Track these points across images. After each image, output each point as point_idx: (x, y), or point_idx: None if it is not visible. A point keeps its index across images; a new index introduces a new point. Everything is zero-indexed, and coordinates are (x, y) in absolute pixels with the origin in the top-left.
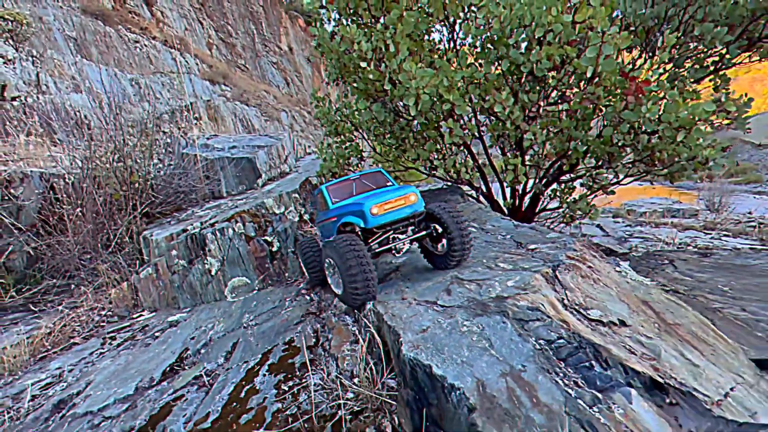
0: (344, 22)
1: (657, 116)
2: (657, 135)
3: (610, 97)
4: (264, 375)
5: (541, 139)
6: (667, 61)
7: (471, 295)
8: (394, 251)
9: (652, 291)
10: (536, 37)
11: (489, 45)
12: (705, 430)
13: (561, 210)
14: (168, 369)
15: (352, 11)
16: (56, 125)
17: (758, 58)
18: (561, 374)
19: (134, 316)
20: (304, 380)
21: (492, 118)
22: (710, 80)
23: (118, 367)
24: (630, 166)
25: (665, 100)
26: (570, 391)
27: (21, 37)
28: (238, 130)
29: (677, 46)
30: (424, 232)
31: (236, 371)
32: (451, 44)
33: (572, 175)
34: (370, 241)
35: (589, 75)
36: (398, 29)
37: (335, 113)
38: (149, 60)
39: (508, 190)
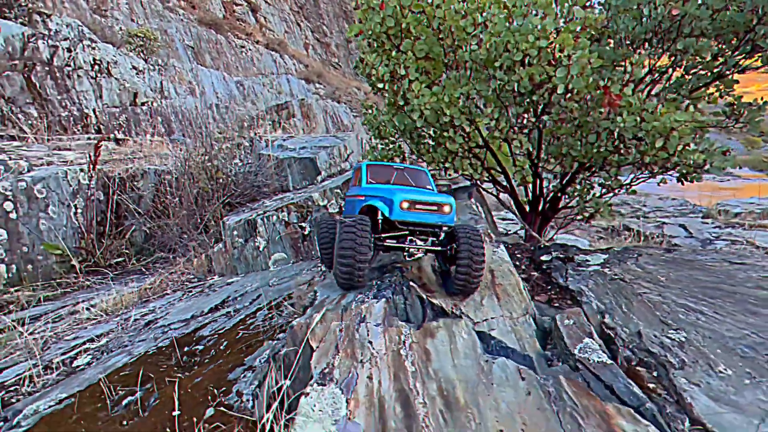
0: (367, 49)
1: (634, 125)
2: (644, 141)
3: (587, 110)
4: (263, 311)
5: (526, 147)
6: (642, 76)
7: None
8: (405, 253)
9: (503, 265)
10: (516, 60)
11: (479, 67)
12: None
13: (578, 208)
14: (213, 307)
15: (375, 40)
16: (174, 126)
17: (760, 64)
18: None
19: (207, 278)
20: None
21: (487, 129)
22: (715, 87)
23: (187, 305)
24: (634, 167)
25: (645, 111)
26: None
27: (150, 50)
28: (328, 126)
29: (673, 57)
30: (439, 248)
31: (249, 309)
32: (455, 65)
33: (586, 175)
34: (385, 233)
35: (560, 91)
36: (408, 55)
37: (379, 119)
38: (252, 63)
39: (524, 189)
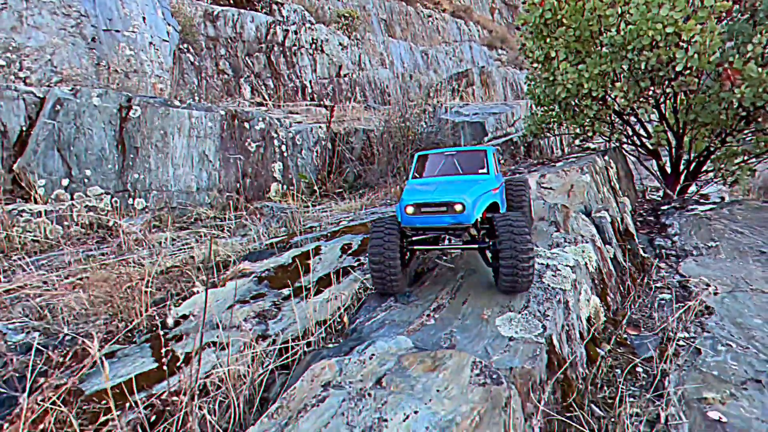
0: (529, 36)
1: (753, 95)
2: (762, 109)
3: (705, 84)
4: None
5: (662, 116)
6: (759, 52)
7: None
8: (441, 254)
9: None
10: (645, 44)
11: (616, 49)
12: None
13: (719, 174)
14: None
15: (535, 28)
16: (368, 94)
17: None
18: None
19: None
20: None
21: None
22: None
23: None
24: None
25: (765, 83)
26: None
27: (352, 28)
28: (507, 93)
29: None
30: (478, 245)
31: None
32: (600, 47)
33: (729, 142)
34: (410, 234)
35: (679, 68)
36: (560, 41)
37: (536, 91)
38: (438, 32)
39: (670, 158)
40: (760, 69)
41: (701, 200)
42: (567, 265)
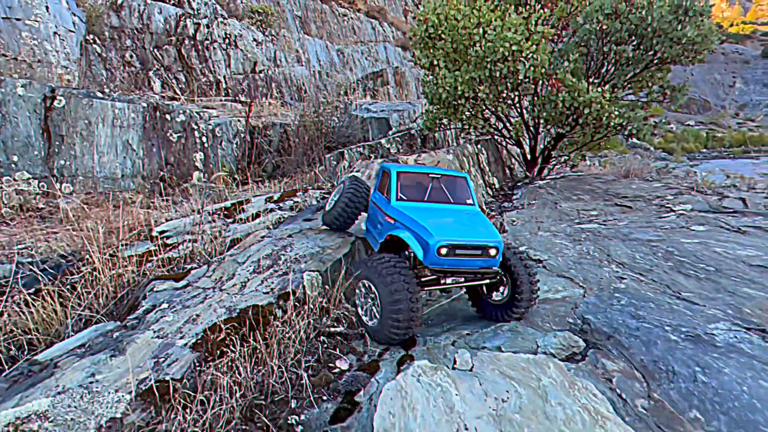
0: (419, 45)
1: (571, 99)
2: (577, 109)
3: (541, 89)
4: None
5: (519, 113)
6: (571, 69)
7: None
8: (441, 292)
9: (447, 158)
10: (499, 58)
11: (479, 61)
12: None
13: (561, 158)
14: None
15: (421, 41)
16: (284, 91)
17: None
18: None
19: (311, 186)
20: None
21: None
22: (648, 75)
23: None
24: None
25: (578, 91)
26: None
27: (266, 24)
28: (419, 92)
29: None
30: (486, 281)
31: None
32: (468, 58)
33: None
34: (417, 269)
35: (521, 77)
36: (440, 52)
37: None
38: (353, 31)
39: (528, 147)
40: (574, 79)
41: (545, 178)
42: None
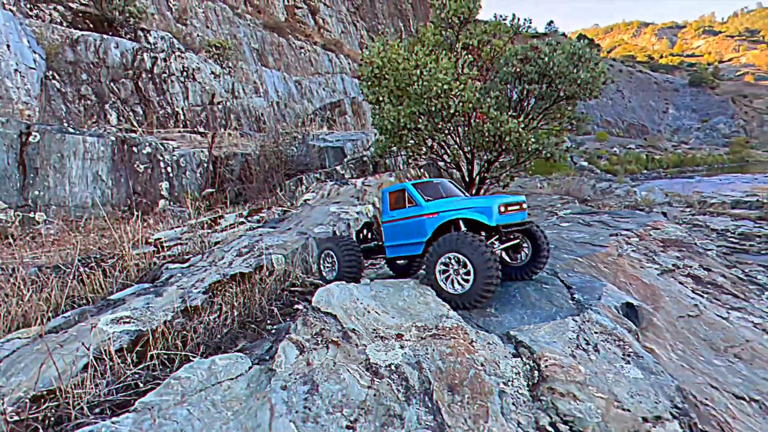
0: (365, 84)
1: (494, 129)
2: (500, 138)
3: (470, 121)
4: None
5: (456, 141)
6: (494, 104)
7: None
8: None
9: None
10: (434, 95)
11: (418, 97)
12: None
13: (494, 179)
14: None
15: (368, 80)
16: (243, 121)
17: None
18: None
19: (273, 210)
20: None
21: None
22: (558, 108)
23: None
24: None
25: (499, 122)
26: None
27: (224, 57)
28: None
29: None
30: (516, 241)
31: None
32: (408, 94)
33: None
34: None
35: (452, 111)
36: (384, 89)
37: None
38: (310, 63)
39: (466, 170)
40: (497, 112)
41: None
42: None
